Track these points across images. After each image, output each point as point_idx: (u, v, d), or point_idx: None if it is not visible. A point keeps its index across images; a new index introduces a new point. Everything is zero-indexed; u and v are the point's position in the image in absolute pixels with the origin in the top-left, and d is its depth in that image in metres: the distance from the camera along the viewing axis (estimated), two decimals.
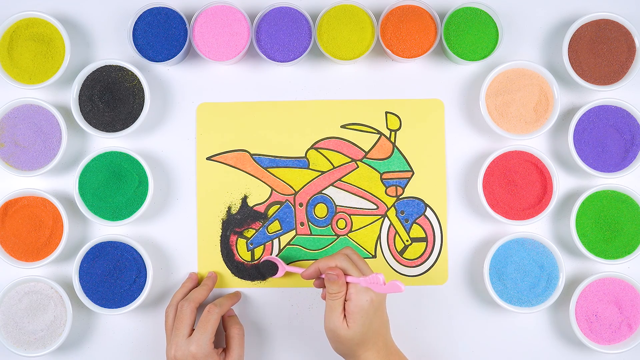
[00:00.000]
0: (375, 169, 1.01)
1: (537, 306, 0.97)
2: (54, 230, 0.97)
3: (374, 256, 1.00)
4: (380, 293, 0.86)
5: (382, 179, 1.01)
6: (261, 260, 1.00)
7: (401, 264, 1.00)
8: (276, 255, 1.00)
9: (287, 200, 1.01)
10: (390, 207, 1.01)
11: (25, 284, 0.97)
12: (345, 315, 0.86)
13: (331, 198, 1.01)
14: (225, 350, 0.95)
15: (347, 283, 0.87)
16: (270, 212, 1.01)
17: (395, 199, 1.01)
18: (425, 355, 0.99)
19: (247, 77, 1.02)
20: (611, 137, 0.98)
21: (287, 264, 0.99)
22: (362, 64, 1.01)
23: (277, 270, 0.99)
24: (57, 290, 0.97)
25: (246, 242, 1.00)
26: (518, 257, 0.98)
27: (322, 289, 0.94)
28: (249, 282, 1.00)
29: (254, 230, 1.00)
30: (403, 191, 1.01)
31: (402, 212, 1.01)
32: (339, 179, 1.01)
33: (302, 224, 1.01)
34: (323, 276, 0.90)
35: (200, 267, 1.00)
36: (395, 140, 1.01)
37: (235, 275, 1.00)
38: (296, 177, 1.01)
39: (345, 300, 0.87)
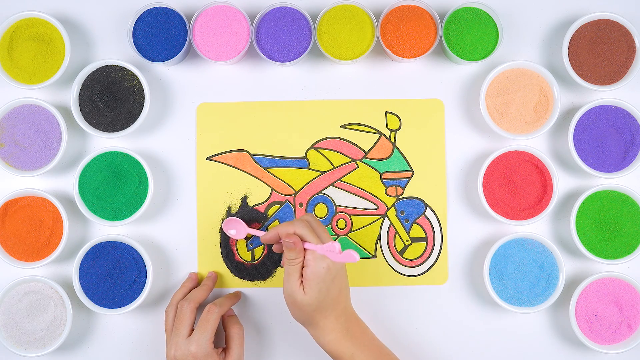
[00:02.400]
0: (375, 169, 1.01)
1: (537, 306, 0.97)
2: (54, 230, 0.97)
3: (374, 256, 1.00)
4: (332, 263, 0.87)
5: (382, 179, 1.01)
6: (223, 221, 0.99)
7: (401, 264, 1.00)
8: (280, 254, 1.00)
9: (287, 200, 1.01)
10: (390, 207, 1.01)
11: (25, 284, 0.97)
12: (302, 281, 0.87)
13: (331, 198, 1.01)
14: (225, 350, 0.95)
15: (305, 250, 0.88)
16: (270, 212, 1.01)
17: (395, 199, 1.01)
18: (425, 355, 0.99)
19: (247, 77, 1.02)
20: (611, 137, 0.98)
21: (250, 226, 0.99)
22: (362, 64, 1.01)
23: (236, 230, 0.99)
24: (57, 290, 0.97)
25: (246, 242, 1.00)
26: (518, 257, 0.98)
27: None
28: (249, 282, 1.00)
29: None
30: (403, 191, 1.01)
31: (402, 212, 1.01)
32: (339, 179, 1.01)
33: None
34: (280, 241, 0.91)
35: (200, 267, 1.00)
36: (395, 140, 1.01)
37: (235, 275, 1.00)
38: (296, 177, 1.01)
39: (303, 267, 0.87)
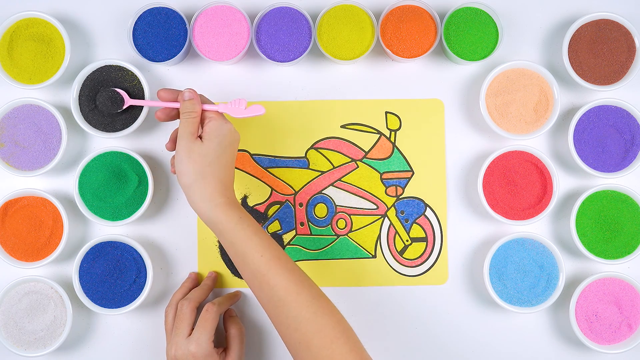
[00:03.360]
0: (375, 169, 1.01)
1: (537, 306, 0.97)
2: (54, 230, 0.97)
3: (374, 256, 1.00)
4: (233, 131, 0.87)
5: (382, 179, 1.01)
6: (102, 91, 0.95)
7: (401, 264, 1.00)
8: None
9: (287, 200, 1.01)
10: (390, 207, 1.01)
11: (25, 284, 0.97)
12: (200, 136, 0.86)
13: (331, 198, 1.01)
14: (226, 350, 0.95)
15: (202, 111, 0.88)
16: (270, 212, 1.01)
17: (395, 198, 1.01)
18: (425, 355, 0.99)
19: (247, 77, 1.02)
20: (611, 137, 0.98)
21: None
22: (362, 64, 1.01)
23: (122, 102, 0.95)
24: (57, 290, 0.97)
25: None
26: (518, 257, 0.98)
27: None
28: None
29: None
30: (403, 191, 1.01)
31: (402, 212, 1.01)
32: (339, 179, 1.01)
33: (302, 224, 1.01)
34: (173, 104, 0.89)
35: (200, 267, 1.00)
36: (395, 140, 1.01)
37: (235, 275, 1.00)
38: (296, 177, 1.01)
39: (205, 124, 0.87)
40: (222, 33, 0.97)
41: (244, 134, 1.00)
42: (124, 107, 0.96)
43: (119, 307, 0.97)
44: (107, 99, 0.95)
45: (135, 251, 0.98)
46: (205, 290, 0.96)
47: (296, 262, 1.00)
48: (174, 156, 0.92)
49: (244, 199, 1.01)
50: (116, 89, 0.95)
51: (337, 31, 0.97)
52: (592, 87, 0.97)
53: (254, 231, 0.85)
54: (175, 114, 0.91)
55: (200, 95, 0.90)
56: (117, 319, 1.00)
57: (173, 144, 0.92)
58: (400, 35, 0.97)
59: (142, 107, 0.97)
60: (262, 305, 0.85)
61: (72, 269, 0.98)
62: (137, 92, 0.98)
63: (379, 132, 1.01)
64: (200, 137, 0.87)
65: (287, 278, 0.83)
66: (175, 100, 0.90)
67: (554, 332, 1.00)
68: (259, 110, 0.87)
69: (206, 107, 0.88)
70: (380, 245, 1.00)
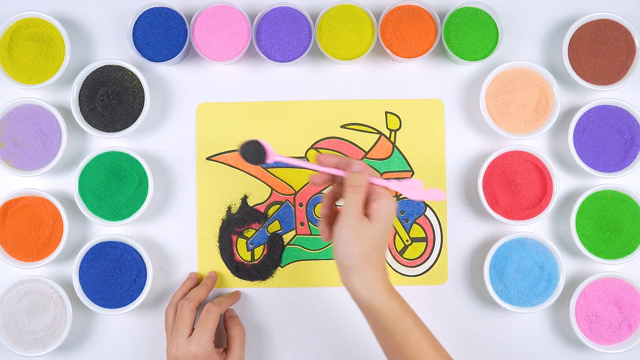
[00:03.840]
0: (375, 169, 1.01)
1: (537, 306, 0.97)
2: (54, 230, 0.97)
3: None
4: (396, 208, 0.81)
5: None
6: (245, 141, 0.84)
7: (401, 264, 1.00)
8: (279, 253, 1.00)
9: (287, 200, 1.01)
10: None
11: (25, 284, 0.97)
12: (366, 215, 0.79)
13: None
14: (226, 350, 0.95)
15: (369, 184, 0.81)
16: (270, 212, 1.01)
17: (395, 199, 1.00)
18: None
19: (247, 77, 1.02)
20: (611, 137, 0.98)
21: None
22: (362, 64, 1.01)
23: (265, 155, 0.84)
24: (57, 290, 0.97)
25: (246, 242, 1.00)
26: (518, 257, 0.98)
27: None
28: (249, 282, 1.00)
29: (254, 230, 1.00)
30: None
31: (402, 212, 1.01)
32: None
33: (302, 224, 1.01)
34: (335, 171, 0.82)
35: (200, 267, 1.00)
36: (395, 140, 1.01)
37: (235, 275, 1.00)
38: (296, 177, 1.01)
39: (373, 200, 0.80)
40: (222, 33, 0.97)
41: (244, 134, 1.01)
42: (268, 162, 0.85)
43: (119, 307, 0.97)
44: (252, 151, 0.84)
45: (135, 251, 0.98)
46: (205, 290, 0.96)
47: (296, 262, 1.00)
48: (322, 222, 0.84)
49: (244, 199, 1.01)
50: (261, 142, 0.84)
51: (337, 31, 0.97)
52: (592, 87, 0.97)
53: (415, 322, 0.81)
54: (332, 180, 0.84)
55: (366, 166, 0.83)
56: (117, 319, 1.00)
57: (327, 209, 0.85)
58: (400, 35, 0.97)
59: (143, 107, 0.97)
60: None
61: (72, 269, 0.98)
62: (137, 92, 0.98)
63: (379, 132, 1.01)
64: (366, 214, 0.80)
65: None
66: (336, 167, 0.82)
67: (554, 332, 1.00)
68: (439, 196, 0.79)
69: (375, 181, 0.81)
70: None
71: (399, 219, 1.00)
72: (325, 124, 1.01)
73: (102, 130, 0.98)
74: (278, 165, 1.01)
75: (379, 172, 1.00)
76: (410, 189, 0.80)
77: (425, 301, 1.00)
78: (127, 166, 0.98)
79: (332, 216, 0.84)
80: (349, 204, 0.79)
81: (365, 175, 0.80)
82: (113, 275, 0.97)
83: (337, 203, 0.85)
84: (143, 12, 0.98)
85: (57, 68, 0.98)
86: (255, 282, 1.00)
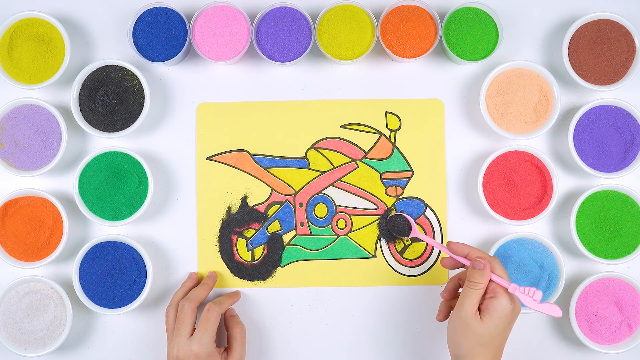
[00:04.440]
0: (375, 169, 1.01)
1: None
2: (54, 230, 0.97)
3: (374, 256, 1.00)
4: (519, 309, 0.85)
5: (382, 179, 1.01)
6: (391, 215, 0.97)
7: (401, 264, 1.00)
8: (279, 253, 1.00)
9: (287, 200, 1.01)
10: (391, 207, 1.01)
11: (25, 284, 0.97)
12: (480, 309, 0.84)
13: (331, 198, 1.01)
14: (227, 349, 0.95)
15: (490, 281, 0.84)
16: (270, 212, 1.01)
17: (395, 199, 1.01)
18: (425, 355, 0.99)
19: (247, 77, 1.02)
20: (611, 137, 0.98)
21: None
22: (362, 64, 1.01)
23: (410, 230, 0.97)
24: (57, 290, 0.97)
25: (246, 242, 1.00)
26: (518, 257, 0.98)
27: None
28: (249, 282, 1.00)
29: (254, 230, 1.00)
30: (403, 191, 1.01)
31: (402, 212, 1.00)
32: (339, 179, 1.01)
33: (302, 224, 1.01)
34: (462, 260, 0.88)
35: (200, 267, 1.00)
36: (395, 140, 1.01)
37: (235, 275, 1.00)
38: (296, 177, 1.01)
39: (489, 298, 0.84)
40: (222, 33, 0.97)
41: (244, 134, 1.01)
42: (410, 237, 0.97)
43: (119, 307, 0.97)
44: (398, 225, 0.98)
45: (135, 251, 0.98)
46: (205, 289, 0.96)
47: (296, 262, 1.00)
48: (442, 303, 0.92)
49: (244, 199, 1.01)
50: (407, 216, 0.97)
51: (337, 31, 0.97)
52: (592, 87, 0.97)
53: None
54: (461, 265, 0.90)
55: (491, 261, 0.86)
56: (117, 319, 1.00)
57: (450, 294, 0.91)
58: (400, 35, 0.97)
59: (143, 107, 0.97)
60: None
61: (72, 269, 0.98)
62: (137, 92, 0.98)
63: (379, 132, 1.01)
64: (480, 308, 0.84)
65: None
66: (465, 256, 0.88)
67: (554, 332, 1.00)
68: (556, 312, 0.83)
69: (497, 280, 0.84)
70: (380, 245, 1.00)
71: None
72: (325, 124, 1.01)
73: (102, 130, 0.98)
74: (275, 164, 1.01)
75: (379, 173, 1.00)
76: (527, 298, 0.83)
77: (425, 301, 1.00)
78: (127, 166, 0.98)
79: (453, 300, 0.91)
80: (465, 298, 0.84)
81: (486, 273, 0.84)
82: (113, 275, 0.97)
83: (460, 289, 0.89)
84: (143, 12, 0.98)
85: (57, 68, 0.98)
86: (255, 282, 1.00)
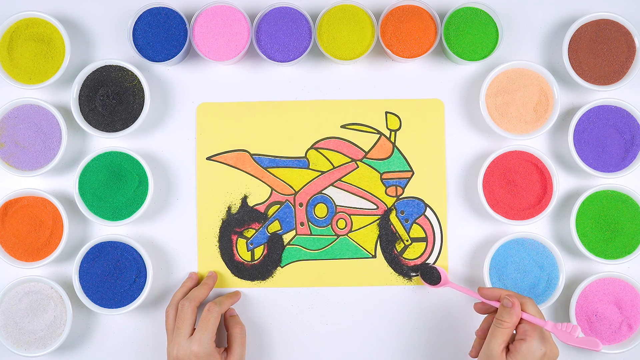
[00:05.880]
0: (375, 169, 1.01)
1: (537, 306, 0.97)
2: (54, 230, 0.97)
3: (374, 256, 1.00)
4: (554, 352, 0.83)
5: (382, 179, 1.01)
6: (421, 263, 0.99)
7: (401, 263, 1.00)
8: (279, 253, 1.00)
9: (287, 200, 1.01)
10: (391, 207, 1.01)
11: (25, 284, 0.97)
12: (508, 349, 0.83)
13: (331, 198, 1.01)
14: (227, 349, 0.95)
15: (521, 320, 0.84)
16: (270, 212, 1.01)
17: (395, 199, 1.01)
18: (425, 355, 0.99)
19: (247, 77, 1.02)
20: (611, 137, 0.98)
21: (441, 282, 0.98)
22: (362, 64, 1.01)
23: (439, 279, 0.97)
24: (57, 290, 0.97)
25: (246, 242, 1.00)
26: (518, 257, 0.98)
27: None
28: (249, 282, 1.00)
29: (254, 230, 1.00)
30: (403, 191, 1.01)
31: (402, 212, 1.01)
32: (339, 179, 1.01)
33: (302, 224, 1.01)
34: (495, 304, 0.88)
35: (200, 267, 1.00)
36: (395, 140, 1.01)
37: (235, 275, 1.00)
38: (296, 177, 1.01)
39: (518, 339, 0.83)
40: (222, 33, 0.97)
41: (244, 134, 1.01)
42: (439, 286, 0.97)
43: (119, 307, 0.97)
44: (429, 274, 0.98)
45: (135, 251, 0.98)
46: (205, 289, 0.96)
47: (296, 262, 1.00)
48: (476, 340, 0.92)
49: (244, 199, 1.01)
50: (437, 268, 0.98)
51: (337, 31, 0.97)
52: (592, 87, 0.97)
53: None
54: (494, 309, 0.90)
55: (524, 301, 0.86)
56: (117, 319, 1.00)
57: (484, 332, 0.91)
58: (400, 35, 0.97)
59: (143, 107, 0.97)
60: None
61: (72, 269, 0.98)
62: (137, 92, 0.98)
63: (379, 132, 1.01)
64: (509, 348, 0.83)
65: None
66: (496, 300, 0.88)
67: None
68: (595, 346, 0.80)
69: (530, 318, 0.84)
70: (381, 245, 1.00)
71: (398, 219, 1.00)
72: (325, 124, 1.01)
73: (102, 130, 0.98)
74: (275, 164, 1.01)
75: (379, 173, 1.00)
76: (565, 333, 0.82)
77: (425, 301, 1.00)
78: (127, 166, 0.98)
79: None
80: (491, 337, 0.84)
81: (515, 312, 0.83)
82: (113, 275, 0.97)
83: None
84: (143, 12, 0.98)
85: (57, 68, 0.98)
86: (255, 282, 1.00)
